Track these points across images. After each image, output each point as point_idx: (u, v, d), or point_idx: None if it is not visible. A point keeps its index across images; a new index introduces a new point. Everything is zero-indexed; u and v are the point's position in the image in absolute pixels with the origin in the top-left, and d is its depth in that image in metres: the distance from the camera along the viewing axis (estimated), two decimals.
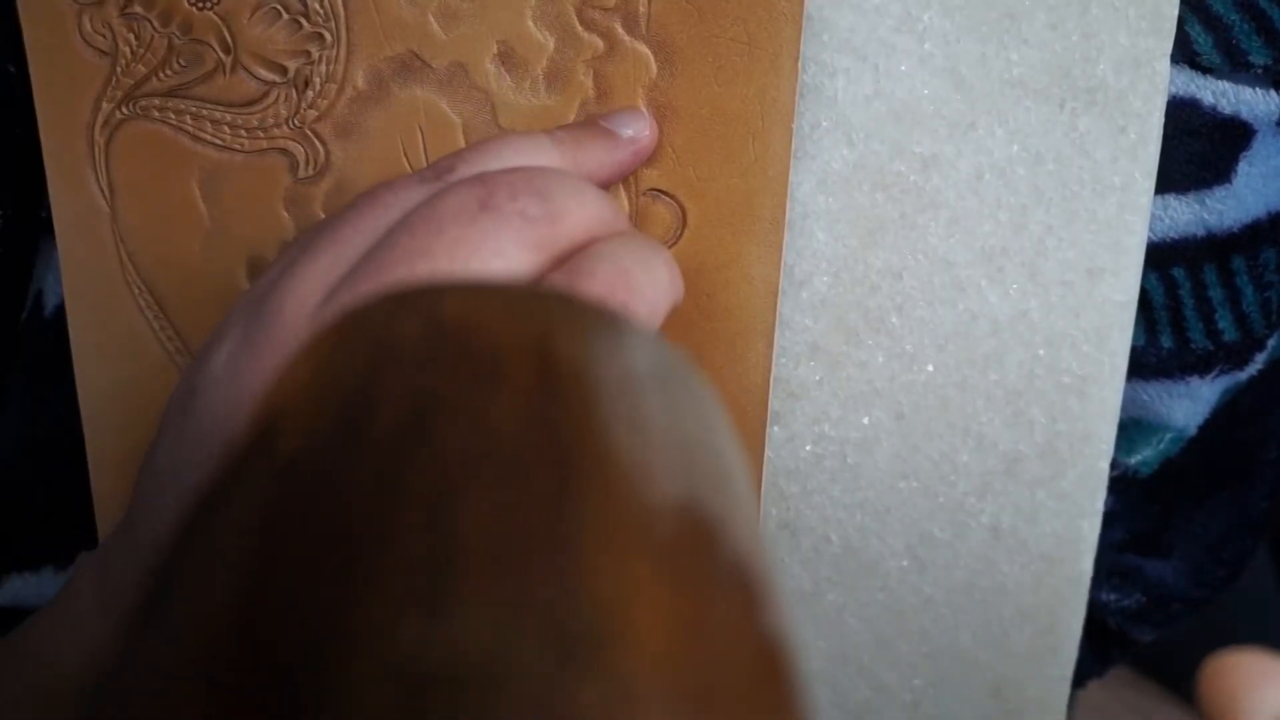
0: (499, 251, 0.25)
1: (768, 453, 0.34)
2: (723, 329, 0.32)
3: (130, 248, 0.33)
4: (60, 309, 0.34)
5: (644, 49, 0.31)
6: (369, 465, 0.14)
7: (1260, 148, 0.36)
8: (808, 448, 0.35)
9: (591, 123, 0.31)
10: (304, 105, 0.32)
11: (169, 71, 0.32)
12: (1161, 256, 0.37)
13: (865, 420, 0.35)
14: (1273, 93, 0.35)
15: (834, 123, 0.32)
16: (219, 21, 0.31)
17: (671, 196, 0.32)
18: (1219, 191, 0.36)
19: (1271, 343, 0.39)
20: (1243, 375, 0.39)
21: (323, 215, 0.33)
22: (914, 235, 0.33)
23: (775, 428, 0.35)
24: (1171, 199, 0.36)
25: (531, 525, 0.13)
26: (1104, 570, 0.43)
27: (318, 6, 0.31)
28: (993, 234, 0.33)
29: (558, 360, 0.16)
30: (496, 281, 0.18)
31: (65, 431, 0.35)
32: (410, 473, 0.14)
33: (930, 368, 0.34)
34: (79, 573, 0.31)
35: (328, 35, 0.31)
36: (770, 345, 0.32)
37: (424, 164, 0.32)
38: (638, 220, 0.32)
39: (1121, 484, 0.41)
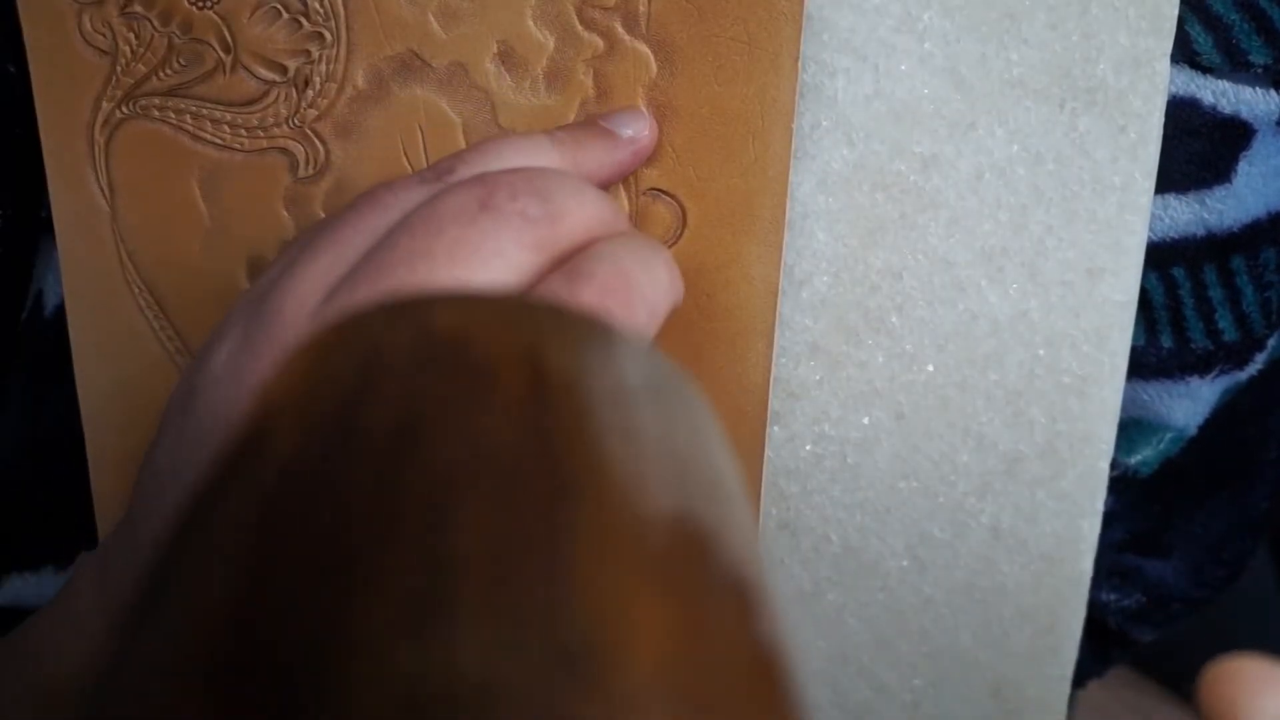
0: (499, 251, 0.25)
1: (768, 453, 0.34)
2: (723, 329, 0.32)
3: (130, 248, 0.33)
4: (60, 309, 0.34)
5: (644, 48, 0.31)
6: (365, 468, 0.14)
7: (1260, 147, 0.36)
8: (808, 448, 0.35)
9: (591, 123, 0.31)
10: (304, 105, 0.32)
11: (169, 71, 0.32)
12: (1161, 256, 0.37)
13: (865, 420, 0.35)
14: (1273, 92, 0.35)
15: (834, 123, 0.32)
16: (219, 21, 0.31)
17: (671, 196, 0.32)
18: (1219, 191, 0.36)
19: (1271, 343, 0.39)
20: (1243, 375, 0.39)
21: (323, 215, 0.33)
22: (914, 235, 0.33)
23: (775, 428, 0.35)
24: (1171, 199, 0.36)
25: (526, 539, 0.13)
26: (1104, 570, 0.43)
27: (318, 6, 0.31)
28: (993, 234, 0.33)
29: (549, 371, 0.16)
30: (488, 292, 0.18)
31: (65, 431, 0.35)
32: (405, 481, 0.14)
33: (930, 368, 0.34)
34: (79, 573, 0.31)
35: (328, 34, 0.31)
36: (770, 345, 0.32)
37: (424, 164, 0.32)
38: (638, 220, 0.32)
39: (1121, 484, 0.41)
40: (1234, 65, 0.34)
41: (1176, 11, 0.31)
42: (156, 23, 0.31)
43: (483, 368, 0.15)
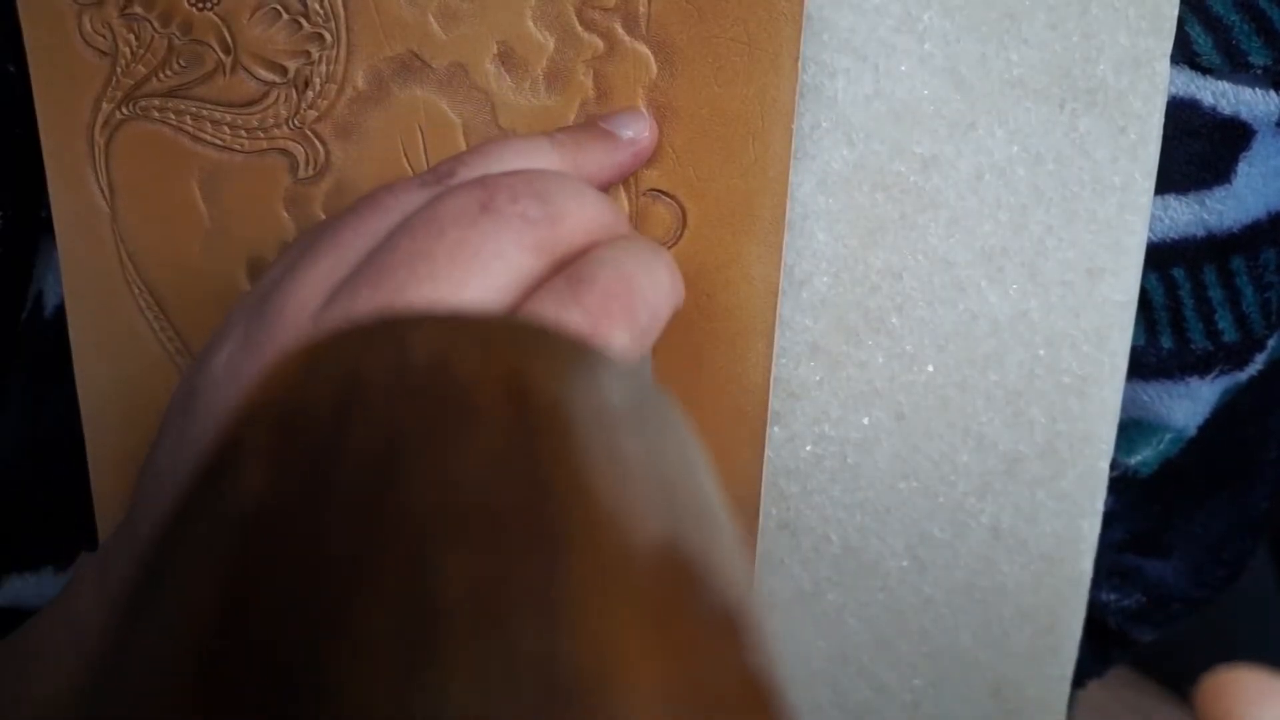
0: (499, 253, 0.25)
1: (768, 453, 0.34)
2: (723, 329, 0.32)
3: (130, 248, 0.33)
4: (60, 309, 0.34)
5: (644, 49, 0.31)
6: (336, 515, 0.13)
7: (1260, 148, 0.36)
8: (808, 448, 0.35)
9: (591, 124, 0.31)
10: (304, 105, 0.32)
11: (169, 72, 0.32)
12: (1161, 256, 0.37)
13: (865, 420, 0.35)
14: (1273, 93, 0.35)
15: (834, 123, 0.32)
16: (219, 22, 0.31)
17: (671, 197, 0.32)
18: (1219, 192, 0.36)
19: (1271, 343, 0.39)
20: (1243, 375, 0.39)
21: (323, 215, 0.33)
22: (914, 235, 0.33)
23: (775, 428, 0.35)
24: (1171, 199, 0.36)
25: (513, 579, 0.13)
26: (1104, 570, 0.43)
27: (318, 7, 0.31)
28: (993, 234, 0.33)
29: (533, 396, 0.15)
30: (470, 312, 0.17)
31: (65, 431, 0.35)
32: (380, 523, 0.13)
33: (930, 368, 0.34)
34: (79, 574, 0.31)
35: (328, 35, 0.31)
36: (770, 345, 0.32)
37: (424, 164, 0.32)
38: (638, 220, 0.32)
39: (1121, 484, 0.41)
40: (1234, 66, 0.34)
41: (1176, 12, 0.31)
42: (156, 24, 0.31)
43: (464, 395, 0.15)
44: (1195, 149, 0.35)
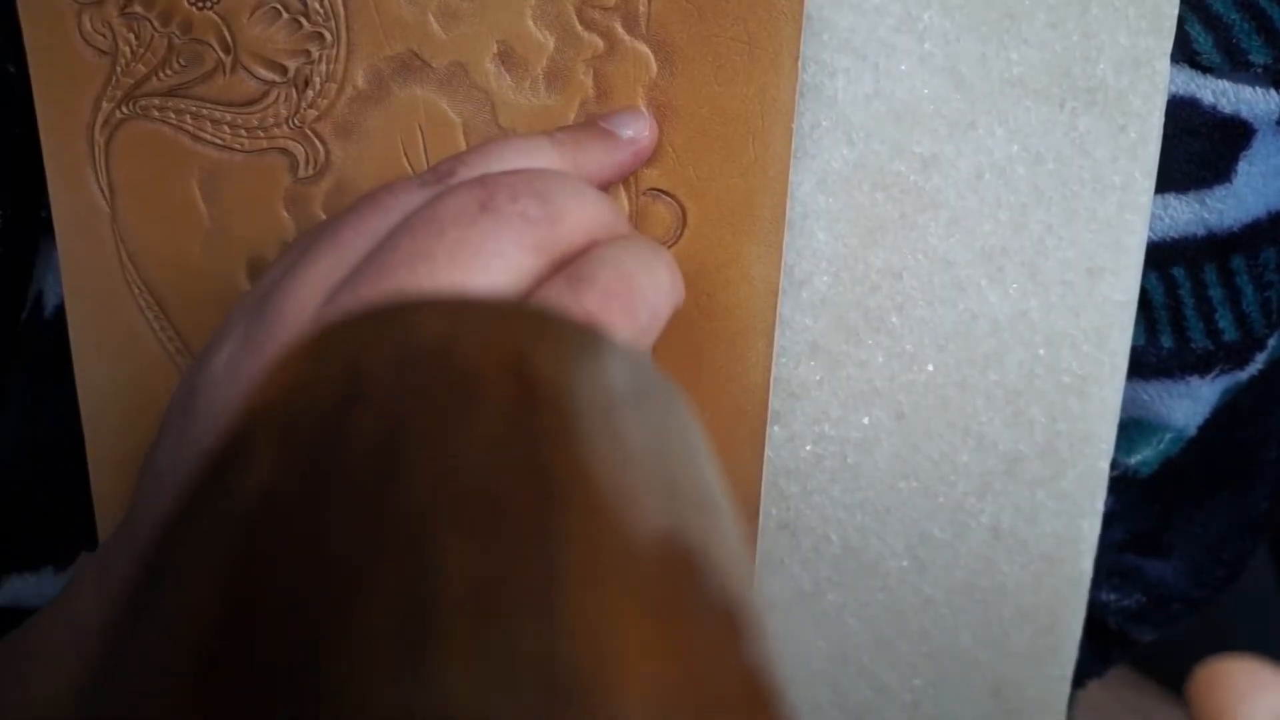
0: (499, 253, 0.25)
1: (768, 453, 0.34)
2: (723, 329, 0.32)
3: (130, 248, 0.33)
4: (60, 309, 0.34)
5: (644, 48, 0.31)
6: (337, 508, 0.13)
7: (1260, 147, 0.36)
8: (808, 448, 0.35)
9: (591, 124, 0.31)
10: (304, 105, 0.32)
11: (169, 71, 0.32)
12: (1161, 256, 0.37)
13: (865, 420, 0.35)
14: (1273, 92, 0.35)
15: (834, 123, 0.32)
16: (219, 21, 0.31)
17: (671, 196, 0.32)
18: (1219, 191, 0.36)
19: (1271, 342, 0.39)
20: (1243, 375, 0.39)
21: (323, 215, 0.33)
22: (914, 235, 0.33)
23: (775, 428, 0.35)
24: (1171, 198, 0.36)
25: (513, 569, 0.13)
26: (1104, 570, 0.43)
27: (318, 6, 0.31)
28: (993, 234, 0.33)
29: (536, 381, 0.15)
30: (474, 298, 0.17)
31: (65, 431, 0.35)
32: (381, 517, 0.13)
33: (930, 367, 0.34)
34: (79, 573, 0.31)
35: (328, 35, 0.31)
36: (770, 345, 0.32)
37: (424, 164, 0.32)
38: (638, 220, 0.32)
39: (1121, 484, 0.41)
40: (1234, 65, 0.34)
41: (1176, 11, 0.31)
42: (156, 23, 0.31)
43: (467, 380, 0.15)
44: (1195, 148, 0.35)
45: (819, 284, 0.34)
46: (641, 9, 0.31)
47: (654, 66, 0.31)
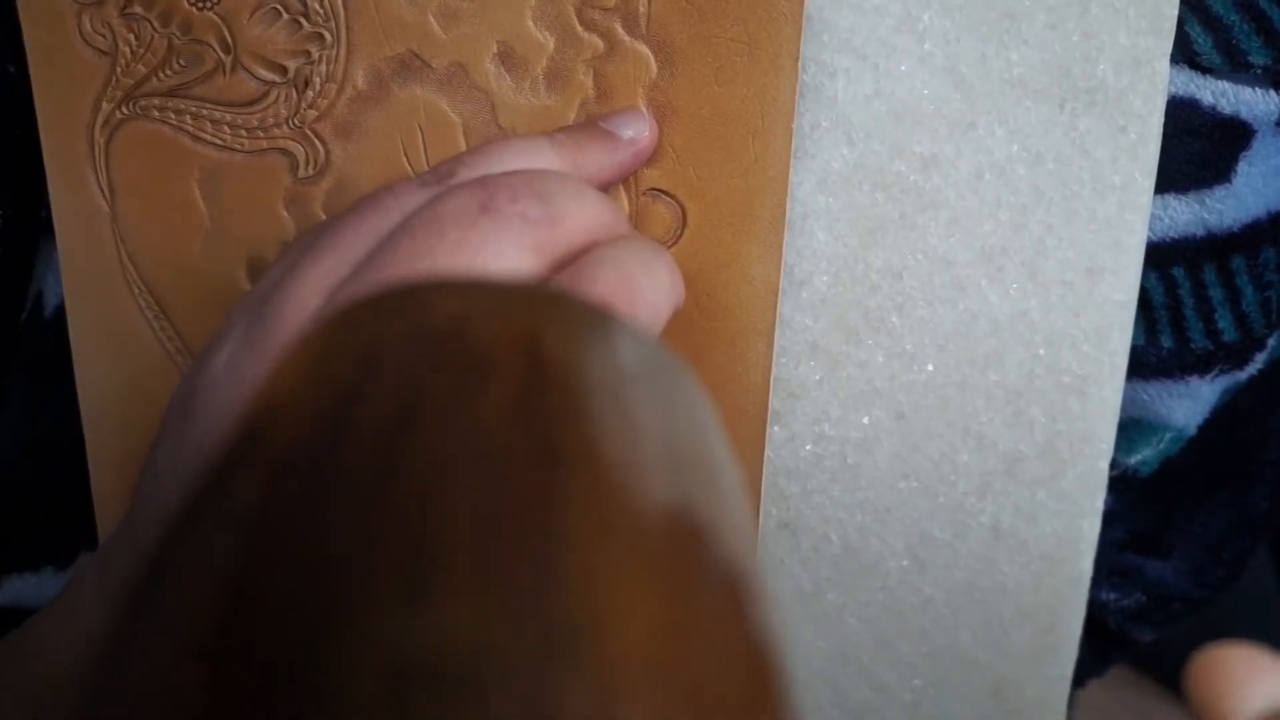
0: (499, 253, 0.25)
1: (768, 453, 0.34)
2: (723, 328, 0.32)
3: (130, 248, 0.33)
4: (60, 309, 0.34)
5: (644, 49, 0.31)
6: (356, 461, 0.14)
7: (1260, 147, 0.36)
8: (808, 448, 0.35)
9: (591, 124, 0.31)
10: (304, 105, 0.32)
11: (169, 71, 0.32)
12: (1161, 256, 0.37)
13: (865, 420, 0.35)
14: (1273, 93, 0.35)
15: (834, 123, 0.32)
16: (219, 21, 0.31)
17: (671, 196, 0.32)
18: (1219, 191, 0.36)
19: (1271, 342, 0.39)
20: (1243, 375, 0.39)
21: (323, 215, 0.33)
22: (914, 235, 0.33)
23: (775, 428, 0.35)
24: (1171, 199, 0.36)
25: (518, 521, 0.13)
26: (1104, 570, 0.43)
27: (318, 6, 0.31)
28: (993, 234, 0.33)
29: (547, 358, 0.16)
30: (486, 279, 0.18)
31: (65, 431, 0.35)
32: (396, 469, 0.14)
33: (930, 367, 0.34)
34: (80, 574, 0.31)
35: (328, 35, 0.31)
36: (770, 345, 0.32)
37: (424, 164, 0.32)
38: (638, 220, 0.32)
39: (1121, 484, 0.41)
40: (1234, 65, 0.34)
41: (1176, 11, 0.31)
42: (156, 23, 0.31)
43: (480, 356, 0.15)
44: (1195, 148, 0.35)
45: (819, 284, 0.34)
46: (641, 9, 0.31)
47: (654, 67, 0.31)
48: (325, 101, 0.32)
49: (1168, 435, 0.40)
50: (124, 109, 0.32)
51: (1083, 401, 0.34)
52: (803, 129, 0.32)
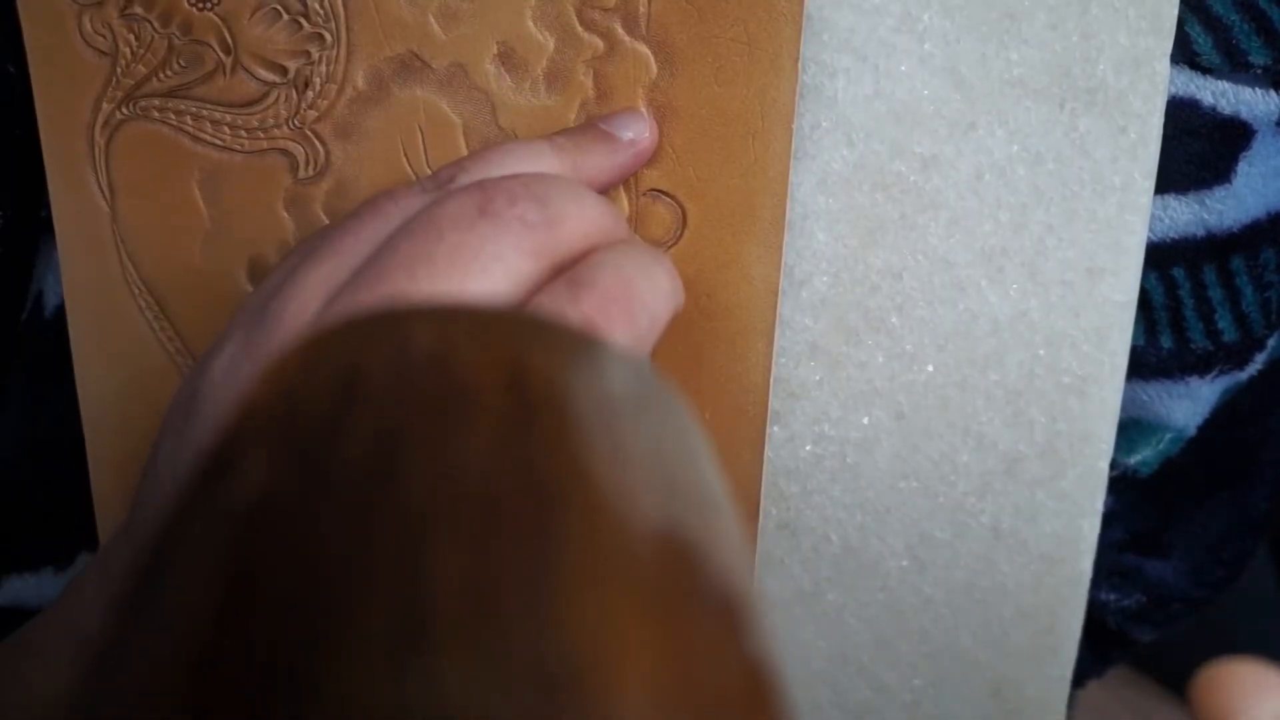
0: (499, 256, 0.25)
1: (768, 453, 0.34)
2: (723, 329, 0.32)
3: (130, 248, 0.33)
4: (60, 309, 0.34)
5: (644, 49, 0.31)
6: (335, 510, 0.13)
7: (1260, 148, 0.36)
8: (808, 448, 0.35)
9: (591, 127, 0.31)
10: (304, 105, 0.32)
11: (169, 72, 0.32)
12: (1161, 256, 0.37)
13: (865, 420, 0.35)
14: (1273, 93, 0.35)
15: (834, 123, 0.32)
16: (219, 22, 0.31)
17: (671, 197, 0.32)
18: (1219, 191, 0.36)
19: (1271, 343, 0.39)
20: (1243, 375, 0.39)
21: (323, 215, 0.33)
22: (914, 235, 0.33)
23: (775, 428, 0.35)
24: (1171, 199, 0.36)
25: (509, 567, 0.13)
26: (1104, 570, 0.43)
27: (318, 7, 0.31)
28: (993, 234, 0.33)
29: (531, 388, 0.15)
30: (466, 305, 0.17)
31: (65, 431, 0.35)
32: (378, 518, 0.13)
33: (930, 368, 0.34)
34: (81, 575, 0.31)
35: (328, 35, 0.31)
36: (770, 345, 0.32)
37: (424, 164, 0.32)
38: (638, 220, 0.32)
39: (1121, 484, 0.41)
40: (1234, 66, 0.34)
41: (1176, 11, 0.31)
42: (156, 24, 0.31)
43: (462, 387, 0.15)
44: (1195, 149, 0.35)
45: (819, 284, 0.34)
46: (641, 9, 0.31)
47: (654, 67, 0.31)
48: (325, 102, 0.32)
49: (1168, 435, 0.40)
50: (124, 109, 0.32)
51: (1083, 402, 0.34)
52: (803, 129, 0.32)
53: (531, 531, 0.13)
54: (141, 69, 0.32)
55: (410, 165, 0.32)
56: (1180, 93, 0.34)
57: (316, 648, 0.12)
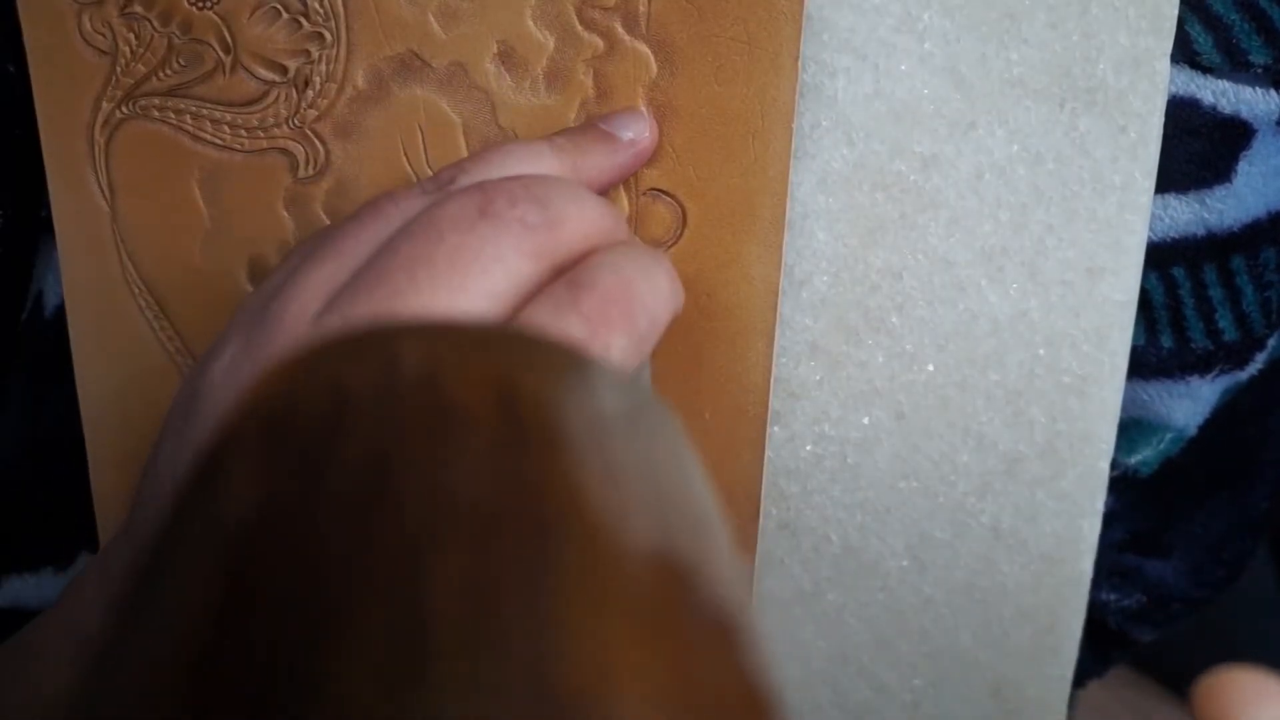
0: (499, 257, 0.25)
1: (768, 453, 0.34)
2: (723, 329, 0.32)
3: (130, 248, 0.33)
4: (60, 309, 0.34)
5: (644, 48, 0.31)
6: (333, 524, 0.13)
7: (1260, 147, 0.36)
8: (808, 448, 0.35)
9: (591, 127, 0.31)
10: (304, 105, 0.32)
11: (169, 71, 0.32)
12: (1161, 256, 0.37)
13: (865, 420, 0.35)
14: (1273, 92, 0.35)
15: (834, 123, 0.32)
16: (219, 21, 0.31)
17: (672, 196, 0.32)
18: (1219, 191, 0.36)
19: (1271, 342, 0.39)
20: (1243, 375, 0.39)
21: (323, 215, 0.33)
22: (914, 235, 0.33)
23: (775, 428, 0.35)
24: (1171, 198, 0.36)
25: (505, 589, 0.13)
26: (1104, 570, 0.43)
27: (318, 6, 0.31)
28: (993, 234, 0.33)
29: (523, 406, 0.15)
30: (454, 323, 0.17)
31: (65, 431, 0.35)
32: (376, 536, 0.13)
33: (930, 367, 0.34)
34: (81, 576, 0.31)
35: (328, 35, 0.31)
36: (770, 345, 0.32)
37: (424, 163, 0.32)
38: (638, 220, 0.32)
39: (1121, 484, 0.41)
40: (1234, 65, 0.34)
41: (1176, 11, 0.31)
42: (156, 23, 0.31)
43: (453, 407, 0.15)
44: (1195, 148, 0.35)
45: (819, 284, 0.34)
46: (641, 9, 0.31)
47: (654, 67, 0.31)
48: (325, 101, 0.32)
49: (1168, 435, 0.40)
50: (124, 109, 0.32)
51: (1083, 401, 0.34)
52: (803, 129, 0.32)
53: (526, 556, 0.13)
54: (141, 68, 0.32)
55: (410, 164, 0.32)
56: (1180, 92, 0.34)
57: (316, 648, 0.12)
